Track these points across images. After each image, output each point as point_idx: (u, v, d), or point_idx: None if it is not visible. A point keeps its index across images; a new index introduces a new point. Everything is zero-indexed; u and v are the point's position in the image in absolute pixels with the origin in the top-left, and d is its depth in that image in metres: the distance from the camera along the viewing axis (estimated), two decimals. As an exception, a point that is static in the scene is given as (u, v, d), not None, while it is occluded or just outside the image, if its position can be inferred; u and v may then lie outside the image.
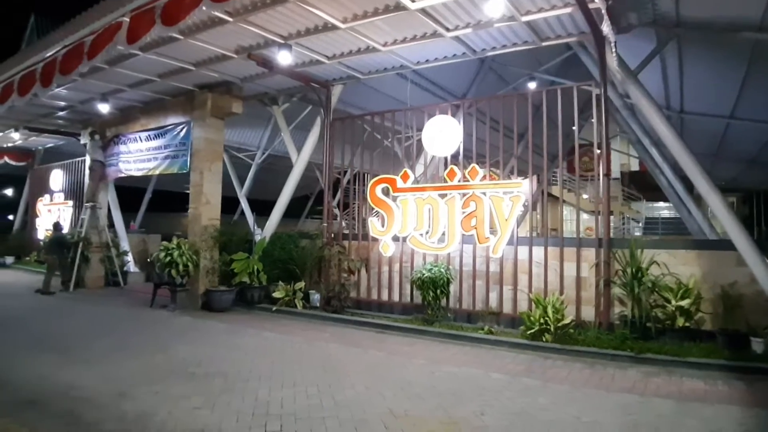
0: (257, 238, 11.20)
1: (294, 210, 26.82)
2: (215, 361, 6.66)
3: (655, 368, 6.58)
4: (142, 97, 12.14)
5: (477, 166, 8.68)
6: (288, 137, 11.84)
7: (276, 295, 10.30)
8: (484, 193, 8.53)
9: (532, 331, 7.53)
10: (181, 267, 10.30)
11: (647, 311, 7.32)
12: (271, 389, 5.52)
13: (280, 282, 10.50)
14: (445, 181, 8.98)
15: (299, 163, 11.25)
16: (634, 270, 7.52)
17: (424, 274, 8.48)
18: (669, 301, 7.38)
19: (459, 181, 8.83)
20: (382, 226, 9.60)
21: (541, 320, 7.54)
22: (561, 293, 8.05)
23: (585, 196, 26.01)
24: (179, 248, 10.44)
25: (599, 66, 8.29)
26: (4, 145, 18.72)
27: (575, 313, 8.00)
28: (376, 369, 6.43)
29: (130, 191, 22.73)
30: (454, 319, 8.74)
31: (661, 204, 29.94)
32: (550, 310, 7.57)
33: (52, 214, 17.83)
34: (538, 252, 8.47)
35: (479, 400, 5.32)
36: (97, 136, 13.95)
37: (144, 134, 12.67)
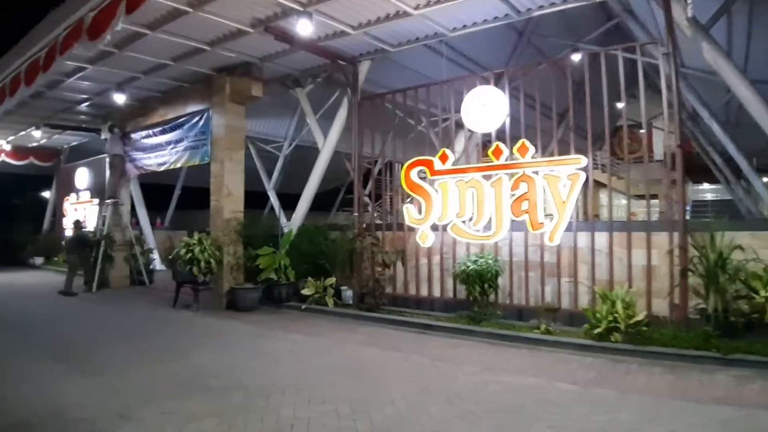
0: (286, 231, 10.41)
1: (324, 203, 26.08)
2: (236, 371, 5.86)
3: (748, 371, 5.49)
4: (159, 85, 11.45)
5: (527, 142, 7.62)
6: (313, 121, 10.99)
7: (305, 292, 9.48)
8: (536, 173, 7.48)
9: (599, 329, 6.48)
10: (203, 264, 9.56)
11: (731, 303, 6.21)
12: (297, 406, 4.66)
13: (309, 278, 9.66)
14: (490, 161, 7.95)
15: (326, 149, 10.37)
16: (715, 256, 6.41)
17: (469, 267, 7.49)
18: (756, 292, 6.23)
19: (506, 159, 7.79)
20: (419, 213, 8.63)
21: (609, 317, 6.49)
22: (629, 285, 6.98)
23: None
24: (201, 244, 9.71)
25: (665, 21, 7.10)
26: (29, 145, 18.45)
27: (646, 307, 6.92)
28: (420, 379, 5.50)
29: (158, 188, 22.34)
30: (503, 316, 7.74)
31: (706, 186, 28.24)
32: (619, 305, 6.52)
33: (79, 213, 17.52)
34: (599, 239, 7.41)
35: (547, 418, 4.35)
36: (116, 130, 13.38)
37: (162, 127, 12.01)
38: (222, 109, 10.28)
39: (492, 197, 7.80)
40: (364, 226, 9.78)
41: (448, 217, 8.27)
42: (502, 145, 7.82)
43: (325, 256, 9.74)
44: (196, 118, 10.94)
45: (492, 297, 7.74)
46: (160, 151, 12.04)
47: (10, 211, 20.90)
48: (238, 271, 10.32)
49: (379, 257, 9.12)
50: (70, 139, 18.15)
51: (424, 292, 8.92)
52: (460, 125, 9.20)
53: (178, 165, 11.61)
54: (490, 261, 7.49)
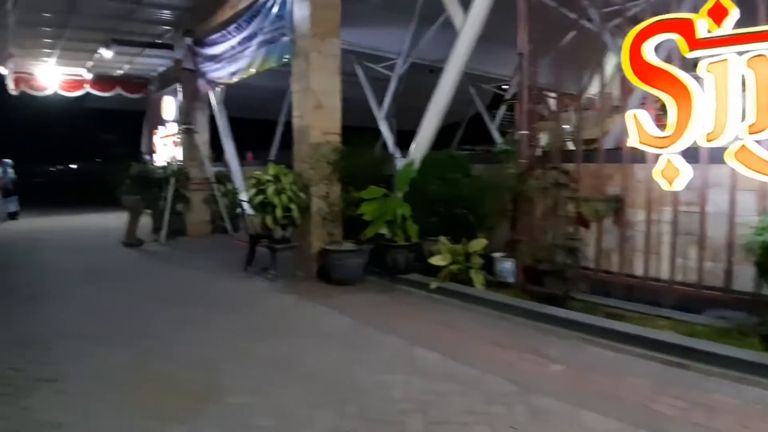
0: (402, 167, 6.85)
1: (439, 142, 22.12)
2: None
3: None
4: (227, -39, 8.17)
5: None
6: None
7: (435, 261, 5.82)
8: None
9: None
10: (279, 212, 6.33)
11: None
12: None
13: (442, 238, 5.97)
14: None
15: (468, 27, 6.38)
16: None
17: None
18: None
19: None
20: (662, 127, 4.55)
21: None
22: None
23: None
24: (277, 182, 6.44)
25: None
26: (114, 74, 16.56)
27: None
28: None
29: (261, 125, 20.11)
30: None
31: None
32: None
33: (168, 147, 15.39)
34: None
35: None
36: (188, 39, 10.43)
37: (236, 23, 8.77)
38: (306, -22, 6.69)
39: None
40: (540, 153, 5.78)
41: (728, 131, 4.06)
42: None
43: (467, 203, 6.03)
44: (271, 1, 7.48)
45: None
46: (231, 56, 8.87)
47: (104, 148, 19.60)
48: (333, 224, 6.95)
49: (571, 207, 5.13)
50: (155, 64, 15.83)
51: (652, 270, 4.89)
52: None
53: (252, 70, 8.28)
54: None
